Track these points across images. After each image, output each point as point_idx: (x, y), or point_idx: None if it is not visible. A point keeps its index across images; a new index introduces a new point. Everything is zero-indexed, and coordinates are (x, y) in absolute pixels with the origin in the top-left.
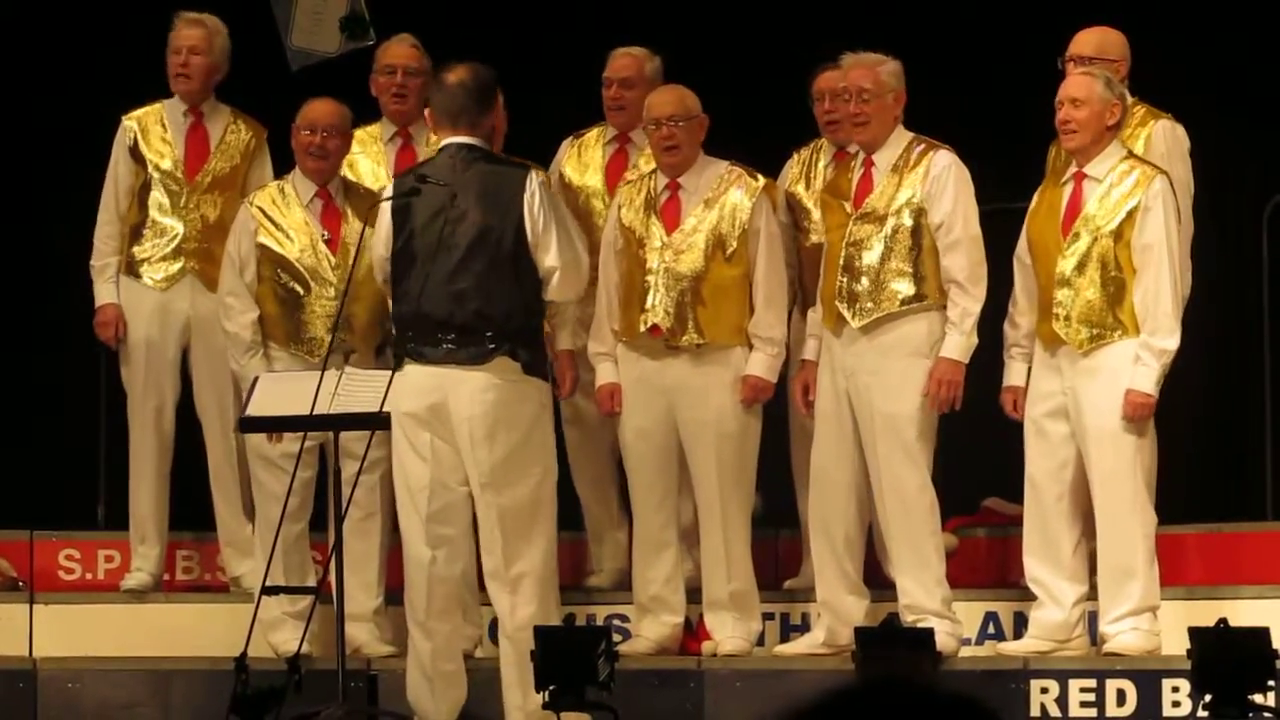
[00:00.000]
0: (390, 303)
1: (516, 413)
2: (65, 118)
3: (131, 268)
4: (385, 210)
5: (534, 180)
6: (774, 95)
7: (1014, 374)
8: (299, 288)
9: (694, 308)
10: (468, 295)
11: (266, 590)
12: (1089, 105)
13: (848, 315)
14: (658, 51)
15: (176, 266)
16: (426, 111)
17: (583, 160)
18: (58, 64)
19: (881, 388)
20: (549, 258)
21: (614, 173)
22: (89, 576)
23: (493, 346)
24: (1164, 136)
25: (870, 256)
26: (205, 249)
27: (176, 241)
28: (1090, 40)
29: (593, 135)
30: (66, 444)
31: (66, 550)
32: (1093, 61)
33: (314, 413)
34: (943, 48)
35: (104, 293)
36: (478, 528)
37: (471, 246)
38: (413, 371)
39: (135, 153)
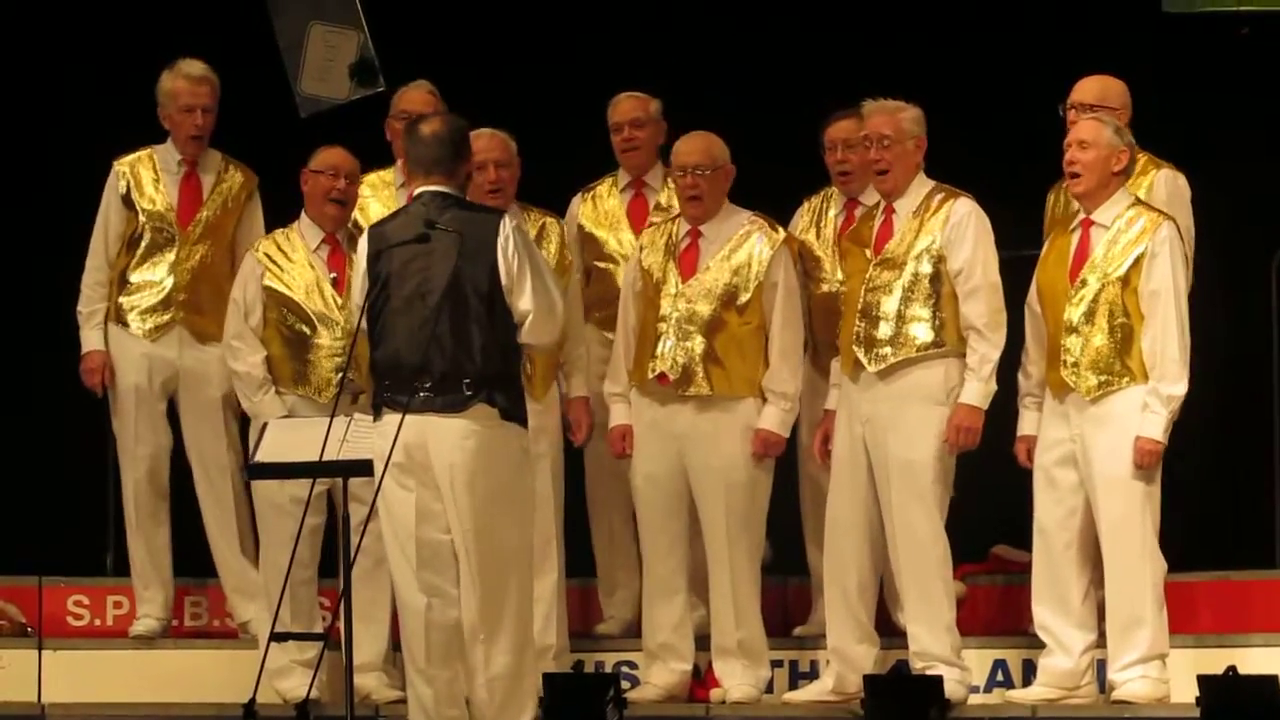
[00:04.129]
0: (369, 351)
1: (497, 460)
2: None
3: (120, 316)
4: (360, 260)
5: (507, 225)
6: (785, 143)
7: (1027, 423)
8: (305, 329)
9: (704, 358)
10: (443, 342)
11: (276, 637)
12: (1095, 148)
13: (864, 360)
14: (668, 97)
15: (166, 317)
16: (399, 162)
17: (599, 212)
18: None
19: (897, 434)
20: (523, 302)
21: (638, 219)
22: (97, 623)
23: (470, 394)
24: (1165, 185)
25: (889, 302)
26: (194, 300)
27: (166, 292)
28: (1091, 88)
29: (604, 187)
30: (74, 491)
31: (75, 596)
32: (1094, 109)
33: (323, 459)
34: (958, 95)
35: (91, 339)
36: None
37: (445, 293)
38: (391, 420)
39: (127, 200)
